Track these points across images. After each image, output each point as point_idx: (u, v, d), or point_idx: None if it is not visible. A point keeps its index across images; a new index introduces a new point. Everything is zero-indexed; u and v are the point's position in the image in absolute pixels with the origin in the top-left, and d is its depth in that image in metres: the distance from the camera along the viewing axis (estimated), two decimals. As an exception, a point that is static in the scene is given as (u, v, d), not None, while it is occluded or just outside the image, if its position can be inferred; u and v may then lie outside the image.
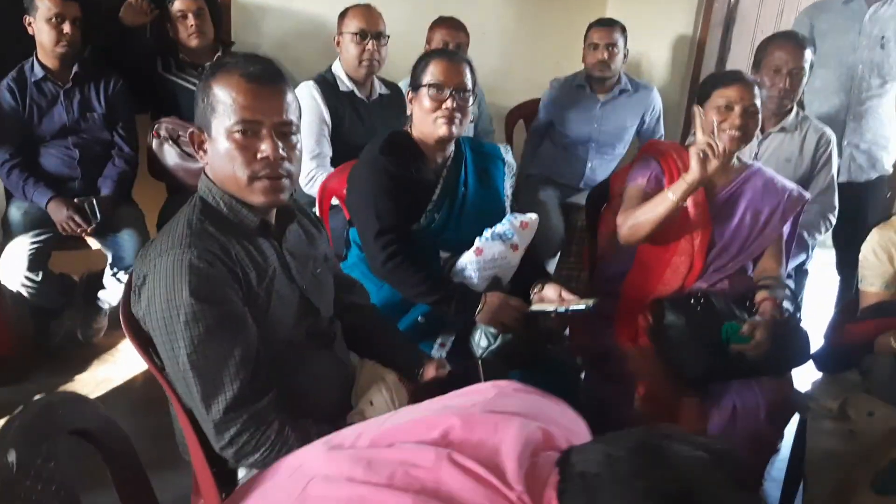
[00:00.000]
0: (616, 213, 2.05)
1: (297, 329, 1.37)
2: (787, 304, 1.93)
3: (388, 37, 2.71)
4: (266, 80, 1.25)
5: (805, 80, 2.47)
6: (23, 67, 2.61)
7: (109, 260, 2.61)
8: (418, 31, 3.09)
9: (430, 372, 1.51)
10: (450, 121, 1.81)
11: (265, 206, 1.31)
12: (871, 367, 1.83)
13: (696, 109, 2.00)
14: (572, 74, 3.27)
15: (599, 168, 3.20)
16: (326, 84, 2.67)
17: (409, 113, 1.90)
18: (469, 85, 1.84)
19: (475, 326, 1.77)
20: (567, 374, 1.93)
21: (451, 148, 1.92)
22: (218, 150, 1.26)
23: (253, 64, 1.25)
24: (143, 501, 1.09)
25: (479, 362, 1.50)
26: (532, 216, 1.91)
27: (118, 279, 2.59)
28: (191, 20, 2.79)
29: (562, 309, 1.74)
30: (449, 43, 2.95)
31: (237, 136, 1.24)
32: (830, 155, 2.51)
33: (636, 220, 1.95)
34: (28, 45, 2.62)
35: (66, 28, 2.54)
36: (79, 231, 2.53)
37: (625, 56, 3.12)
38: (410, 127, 1.91)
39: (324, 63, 2.96)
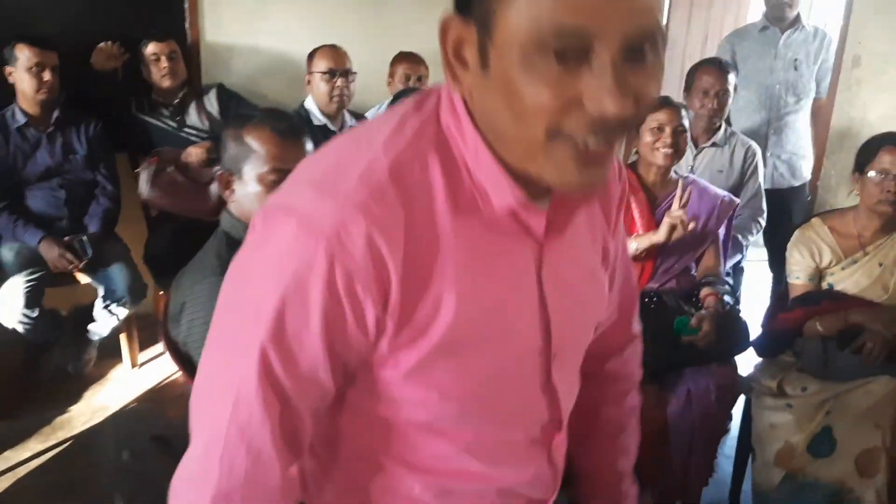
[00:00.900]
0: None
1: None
2: (727, 298, 2.16)
3: (356, 73, 2.91)
4: (293, 134, 1.46)
5: (730, 100, 2.77)
6: (3, 115, 2.72)
7: (101, 293, 2.72)
8: (382, 64, 3.29)
9: None
10: None
11: None
12: (801, 349, 2.09)
13: (635, 132, 2.26)
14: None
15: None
16: (300, 119, 2.86)
17: None
18: None
19: None
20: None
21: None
22: (248, 192, 1.46)
23: (281, 120, 1.46)
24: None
25: None
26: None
27: (111, 311, 2.71)
28: (164, 62, 2.94)
29: None
30: (411, 76, 3.17)
31: (269, 179, 1.44)
32: (757, 165, 2.82)
33: None
34: (5, 92, 2.73)
35: (47, 76, 2.66)
36: (70, 267, 2.64)
37: None
38: None
39: (289, 97, 3.14)
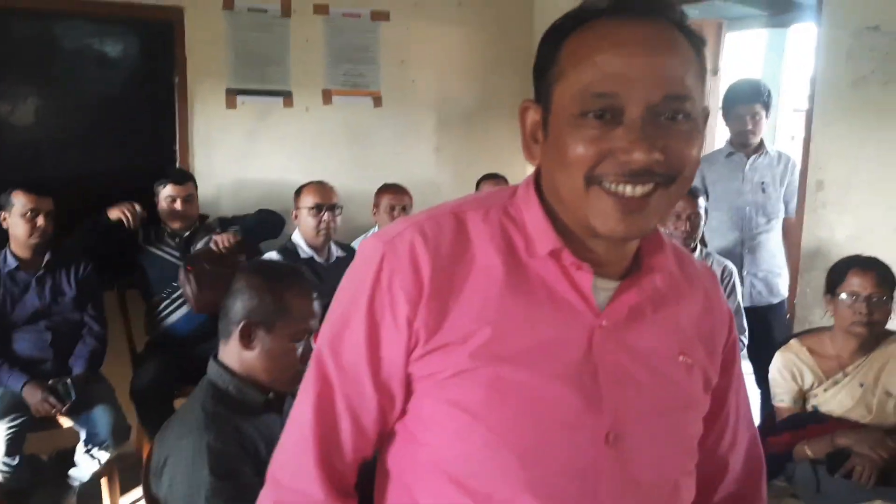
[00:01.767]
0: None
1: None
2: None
3: (342, 207, 3.02)
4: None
5: (702, 222, 2.87)
6: (-6, 259, 2.76)
7: (83, 437, 2.66)
8: (367, 196, 3.41)
9: None
10: None
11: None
12: (793, 473, 2.07)
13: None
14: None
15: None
16: (288, 252, 2.93)
17: None
18: None
19: None
20: None
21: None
22: (275, 347, 1.47)
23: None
24: None
25: None
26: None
27: (92, 455, 2.64)
28: (179, 204, 3.01)
29: None
30: (395, 206, 3.28)
31: (300, 336, 1.49)
32: (735, 284, 2.89)
33: None
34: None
35: (40, 221, 2.71)
36: (53, 412, 2.60)
37: None
38: None
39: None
